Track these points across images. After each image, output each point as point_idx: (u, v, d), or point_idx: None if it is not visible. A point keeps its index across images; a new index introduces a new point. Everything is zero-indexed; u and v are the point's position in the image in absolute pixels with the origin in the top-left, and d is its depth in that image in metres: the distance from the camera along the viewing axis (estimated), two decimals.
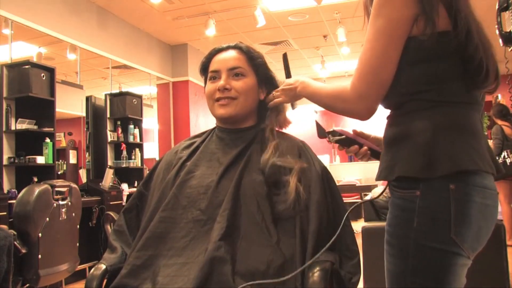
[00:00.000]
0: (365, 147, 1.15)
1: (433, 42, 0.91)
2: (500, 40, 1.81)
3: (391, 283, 0.96)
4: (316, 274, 1.00)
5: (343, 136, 1.18)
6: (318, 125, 1.22)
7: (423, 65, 0.93)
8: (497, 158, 4.52)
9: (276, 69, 1.35)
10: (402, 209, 0.94)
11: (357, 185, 6.46)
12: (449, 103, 0.93)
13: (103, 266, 1.15)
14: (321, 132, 1.21)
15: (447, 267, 0.89)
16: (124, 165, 4.98)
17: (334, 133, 1.19)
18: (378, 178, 1.00)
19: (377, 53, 0.94)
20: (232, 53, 1.27)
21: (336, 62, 7.53)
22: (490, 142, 4.58)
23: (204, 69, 1.31)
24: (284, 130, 1.34)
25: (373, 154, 1.16)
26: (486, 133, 7.80)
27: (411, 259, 0.91)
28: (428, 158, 0.89)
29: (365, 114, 0.99)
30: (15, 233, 2.57)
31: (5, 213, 3.04)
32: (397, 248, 0.94)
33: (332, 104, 1.05)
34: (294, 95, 1.21)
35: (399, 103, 0.97)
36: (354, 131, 1.20)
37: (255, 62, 1.27)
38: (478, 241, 0.92)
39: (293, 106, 1.32)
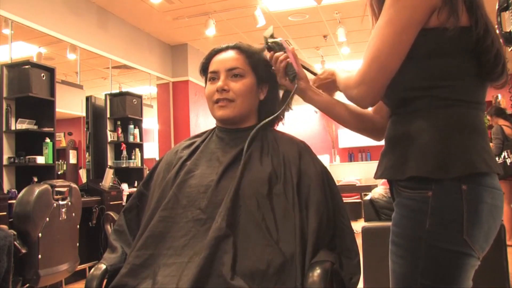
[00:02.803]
0: (286, 61, 1.18)
1: (455, 35, 0.89)
2: (500, 40, 1.81)
3: (398, 284, 0.95)
4: (316, 274, 1.00)
5: (279, 41, 1.21)
6: (268, 32, 1.24)
7: (439, 59, 0.92)
8: (497, 158, 4.55)
9: None
10: (412, 210, 0.92)
11: (357, 185, 6.46)
12: (462, 102, 0.92)
13: (103, 266, 1.15)
14: (268, 36, 1.23)
15: (459, 268, 0.89)
16: (124, 165, 4.98)
17: (275, 41, 1.22)
18: (381, 176, 0.98)
19: (386, 40, 0.91)
20: (230, 54, 1.27)
21: (336, 62, 7.53)
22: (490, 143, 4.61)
23: (204, 70, 1.32)
24: (284, 130, 1.34)
25: (289, 68, 1.19)
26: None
27: (422, 260, 0.90)
28: (441, 158, 0.89)
29: (363, 99, 0.98)
30: (15, 233, 2.58)
31: (5, 213, 3.04)
32: (406, 249, 0.93)
33: (343, 91, 1.05)
34: (335, 86, 1.20)
35: (408, 99, 0.95)
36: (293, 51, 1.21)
37: (254, 62, 1.27)
38: (487, 242, 0.92)
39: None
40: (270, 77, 1.31)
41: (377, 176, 1.01)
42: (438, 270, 0.89)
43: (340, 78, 1.12)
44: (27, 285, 2.76)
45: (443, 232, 0.88)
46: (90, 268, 3.86)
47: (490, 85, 0.97)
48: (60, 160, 4.81)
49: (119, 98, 5.01)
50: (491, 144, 4.57)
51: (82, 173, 4.86)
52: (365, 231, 2.57)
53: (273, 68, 1.23)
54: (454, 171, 0.87)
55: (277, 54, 1.20)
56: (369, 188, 5.37)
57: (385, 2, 0.93)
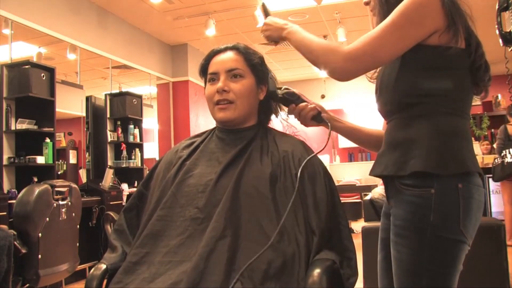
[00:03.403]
0: (313, 105, 1.24)
1: (454, 54, 1.03)
2: (500, 40, 1.80)
3: (404, 271, 1.06)
4: (316, 273, 1.00)
5: (292, 91, 1.24)
6: (271, 78, 1.27)
7: (438, 72, 1.04)
8: (497, 158, 4.59)
9: (277, 69, 1.35)
10: (418, 206, 1.03)
11: (357, 185, 6.46)
12: (455, 111, 1.06)
13: (103, 266, 1.16)
14: (271, 90, 1.26)
15: (456, 253, 1.02)
16: (124, 165, 4.98)
17: (281, 88, 1.26)
18: (382, 172, 1.08)
19: (387, 38, 1.02)
20: (229, 54, 1.27)
21: None
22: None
23: (203, 71, 1.32)
24: (284, 130, 1.34)
25: (318, 116, 1.24)
26: (486, 133, 7.82)
27: (427, 248, 1.02)
28: (442, 157, 1.02)
29: (345, 73, 1.06)
30: (15, 233, 2.57)
31: (5, 213, 3.04)
32: (412, 239, 1.04)
33: (321, 53, 1.09)
34: (279, 35, 1.22)
35: (408, 104, 1.07)
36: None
37: (253, 63, 1.27)
38: (474, 230, 1.06)
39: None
40: (268, 77, 1.31)
41: (376, 173, 1.10)
42: (441, 256, 1.02)
43: (310, 36, 1.15)
44: (27, 285, 2.76)
45: (444, 224, 1.01)
46: (90, 268, 3.86)
47: (475, 97, 1.13)
48: (60, 160, 4.81)
49: (119, 98, 5.01)
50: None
51: (82, 173, 4.86)
52: (365, 231, 2.58)
53: (295, 117, 1.29)
54: (451, 168, 1.01)
55: (302, 105, 1.27)
56: (369, 188, 5.37)
57: (397, 7, 1.02)
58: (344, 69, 1.05)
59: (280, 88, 1.28)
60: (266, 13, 1.28)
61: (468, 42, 1.06)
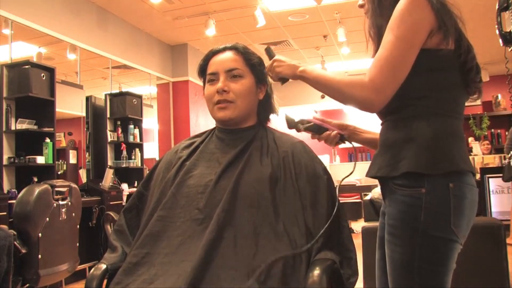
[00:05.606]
0: (336, 132, 1.27)
1: (445, 56, 1.05)
2: (500, 40, 1.81)
3: (396, 269, 1.07)
4: (316, 273, 1.00)
5: (312, 123, 1.26)
6: (287, 118, 1.29)
7: (429, 74, 1.06)
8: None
9: None
10: (409, 205, 1.04)
11: (357, 185, 6.45)
12: (447, 111, 1.08)
13: (103, 266, 1.16)
14: (291, 123, 1.28)
15: (448, 252, 1.04)
16: (124, 165, 4.98)
17: (302, 121, 1.27)
18: (376, 173, 1.10)
19: (398, 55, 1.03)
20: (229, 55, 1.27)
21: (336, 62, 7.52)
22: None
23: (202, 71, 1.32)
24: (283, 131, 1.34)
25: (341, 138, 1.28)
26: (486, 133, 7.81)
27: (418, 247, 1.03)
28: (432, 157, 1.03)
29: (377, 105, 1.05)
30: (15, 233, 2.57)
31: (5, 213, 3.04)
32: (403, 238, 1.05)
33: (344, 89, 1.08)
34: (293, 72, 1.21)
35: (399, 107, 1.08)
36: (316, 118, 1.29)
37: (252, 62, 1.28)
38: (467, 230, 1.07)
39: (282, 81, 1.28)
40: (267, 77, 1.31)
41: (371, 174, 1.12)
42: (432, 254, 1.03)
43: (327, 73, 1.15)
44: (27, 285, 2.76)
45: (435, 222, 1.03)
46: (90, 268, 3.86)
47: (468, 98, 1.14)
48: (60, 160, 4.81)
49: (119, 98, 5.01)
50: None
51: (82, 173, 4.86)
52: (365, 231, 2.58)
53: (323, 140, 1.29)
54: (442, 168, 1.03)
55: (324, 135, 1.27)
56: (369, 188, 5.36)
57: (391, 22, 1.05)
58: (374, 102, 1.04)
59: (299, 121, 1.28)
60: (272, 55, 1.28)
61: (458, 44, 1.07)
